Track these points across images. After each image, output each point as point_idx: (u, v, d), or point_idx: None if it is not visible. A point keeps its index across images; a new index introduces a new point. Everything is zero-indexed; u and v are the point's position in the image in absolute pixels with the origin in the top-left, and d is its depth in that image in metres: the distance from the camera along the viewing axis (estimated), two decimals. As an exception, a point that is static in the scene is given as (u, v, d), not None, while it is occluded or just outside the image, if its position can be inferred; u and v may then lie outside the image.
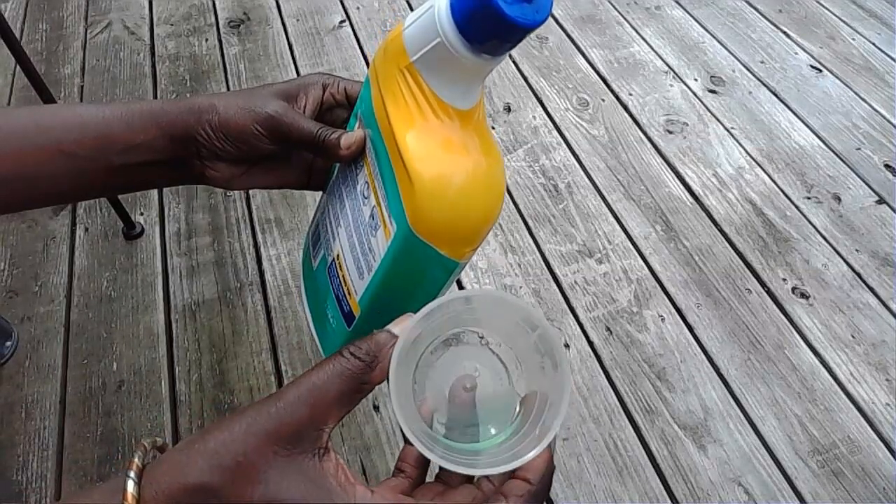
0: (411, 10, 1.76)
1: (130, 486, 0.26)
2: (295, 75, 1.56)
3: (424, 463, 0.34)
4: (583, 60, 1.62)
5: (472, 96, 0.32)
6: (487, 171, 0.32)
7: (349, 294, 0.38)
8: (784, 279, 1.18)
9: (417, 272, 0.34)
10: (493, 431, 0.35)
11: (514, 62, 1.61)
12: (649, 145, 1.42)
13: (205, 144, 0.37)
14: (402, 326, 0.30)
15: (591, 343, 1.09)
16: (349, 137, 0.36)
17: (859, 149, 1.42)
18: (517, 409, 0.35)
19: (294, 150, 0.40)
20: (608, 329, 1.10)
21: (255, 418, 0.27)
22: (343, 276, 0.38)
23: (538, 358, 0.34)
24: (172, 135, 0.37)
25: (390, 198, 0.32)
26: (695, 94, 1.54)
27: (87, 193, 0.40)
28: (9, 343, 1.06)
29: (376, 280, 0.35)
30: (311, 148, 0.37)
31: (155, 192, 1.31)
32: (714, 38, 1.70)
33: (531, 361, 0.35)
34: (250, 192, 1.31)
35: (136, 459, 0.27)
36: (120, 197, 1.19)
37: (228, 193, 1.30)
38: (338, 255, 0.39)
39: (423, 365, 0.35)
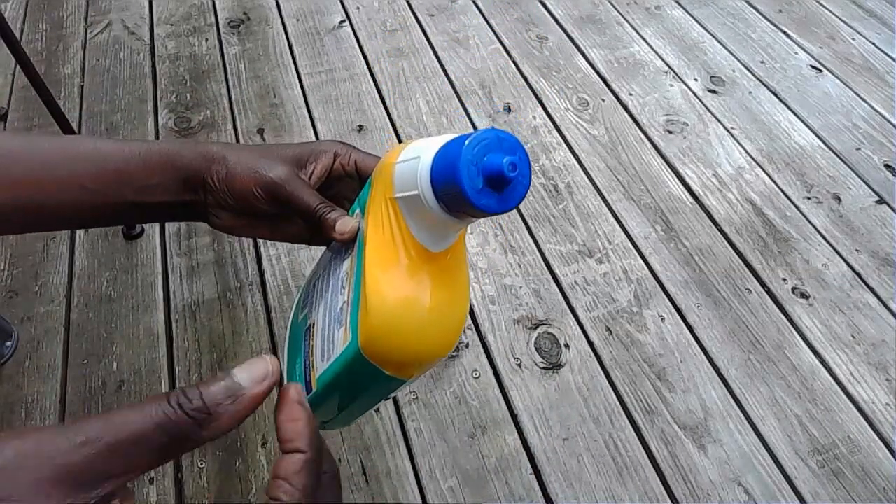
0: (411, 10, 1.76)
1: None
2: (295, 75, 1.57)
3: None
4: (583, 60, 1.62)
5: (446, 242, 0.33)
6: (442, 314, 0.33)
7: (312, 367, 0.39)
8: (784, 279, 1.18)
9: (363, 383, 0.35)
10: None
11: (514, 62, 1.61)
12: (649, 145, 1.42)
13: (211, 193, 0.38)
14: (256, 377, 0.25)
15: (591, 343, 1.09)
16: (344, 224, 0.36)
17: (859, 149, 1.42)
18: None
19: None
20: (608, 329, 1.10)
21: (39, 447, 0.22)
22: (312, 347, 0.40)
23: None
24: (185, 178, 0.38)
25: (353, 307, 0.34)
26: (695, 94, 1.54)
27: (99, 222, 0.41)
28: (9, 343, 1.06)
29: (329, 373, 0.36)
30: (308, 221, 0.37)
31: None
32: (714, 38, 1.70)
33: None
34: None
35: None
36: (120, 197, 1.19)
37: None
38: (313, 324, 0.41)
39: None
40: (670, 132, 1.45)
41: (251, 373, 0.25)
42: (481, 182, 0.27)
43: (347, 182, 0.41)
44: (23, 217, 0.37)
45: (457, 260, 0.34)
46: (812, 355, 1.08)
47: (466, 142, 0.28)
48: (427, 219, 0.31)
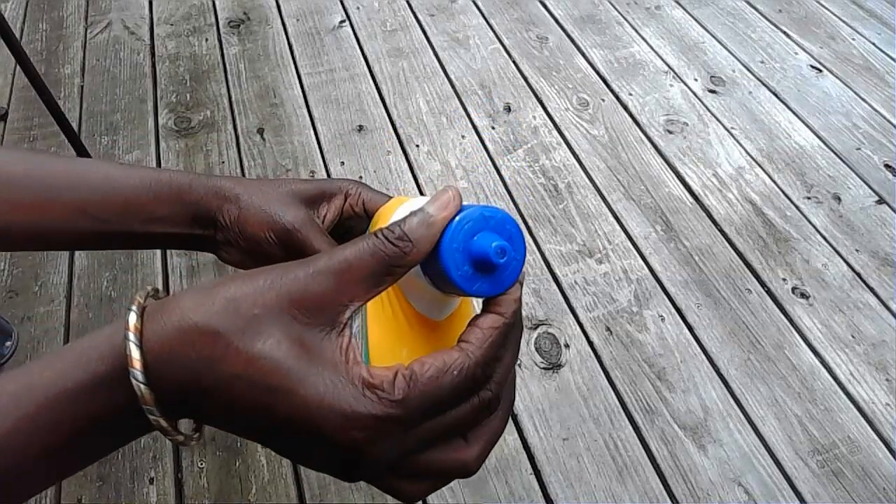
0: (411, 10, 1.76)
1: (132, 318, 0.25)
2: (295, 75, 1.56)
3: None
4: (583, 60, 1.62)
5: (448, 309, 0.32)
6: None
7: None
8: (784, 279, 1.18)
9: None
10: None
11: (514, 62, 1.61)
12: (649, 145, 1.42)
13: (221, 231, 0.38)
14: (441, 204, 0.28)
15: (591, 343, 1.09)
16: None
17: (859, 149, 1.42)
18: None
19: None
20: (608, 329, 1.10)
21: (282, 278, 0.26)
22: None
23: None
24: (195, 214, 0.37)
25: None
26: (695, 94, 1.54)
27: (101, 247, 0.41)
28: (9, 343, 1.06)
29: None
30: None
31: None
32: (714, 38, 1.70)
33: None
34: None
35: (138, 297, 0.26)
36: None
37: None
38: None
39: None
40: (670, 132, 1.45)
41: (438, 202, 0.27)
42: (470, 269, 0.27)
43: (355, 222, 0.41)
44: (23, 238, 0.37)
45: (463, 322, 0.33)
46: (812, 355, 1.08)
47: (452, 223, 0.27)
48: (424, 293, 0.30)
